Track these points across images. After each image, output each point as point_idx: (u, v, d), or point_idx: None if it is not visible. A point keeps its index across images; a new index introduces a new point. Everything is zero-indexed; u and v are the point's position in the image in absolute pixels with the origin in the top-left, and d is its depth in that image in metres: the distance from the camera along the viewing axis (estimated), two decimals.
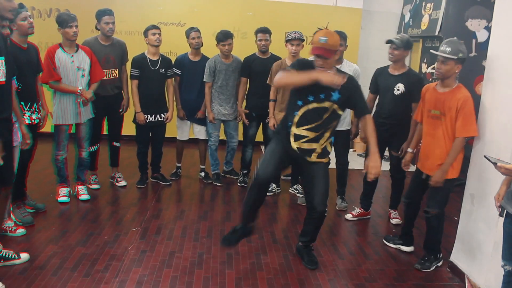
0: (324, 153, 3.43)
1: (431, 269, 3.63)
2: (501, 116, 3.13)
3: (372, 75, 4.53)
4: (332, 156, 4.27)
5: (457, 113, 3.27)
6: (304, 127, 3.32)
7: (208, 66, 5.13)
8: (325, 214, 3.51)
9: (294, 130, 3.35)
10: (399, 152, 4.19)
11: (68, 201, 4.59)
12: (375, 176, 3.24)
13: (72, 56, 4.38)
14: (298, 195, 5.17)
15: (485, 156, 2.49)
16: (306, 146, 3.36)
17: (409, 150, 3.90)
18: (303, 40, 4.80)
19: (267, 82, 4.93)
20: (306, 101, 3.28)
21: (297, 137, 3.36)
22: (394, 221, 4.53)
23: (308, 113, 3.29)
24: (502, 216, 2.58)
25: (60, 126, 4.44)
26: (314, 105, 3.26)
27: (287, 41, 4.77)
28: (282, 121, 3.55)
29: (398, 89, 4.15)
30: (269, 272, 3.45)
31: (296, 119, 3.33)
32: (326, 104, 3.25)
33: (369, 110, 3.52)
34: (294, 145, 3.37)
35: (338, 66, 4.49)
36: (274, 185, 5.23)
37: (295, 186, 5.28)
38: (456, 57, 3.27)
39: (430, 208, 3.52)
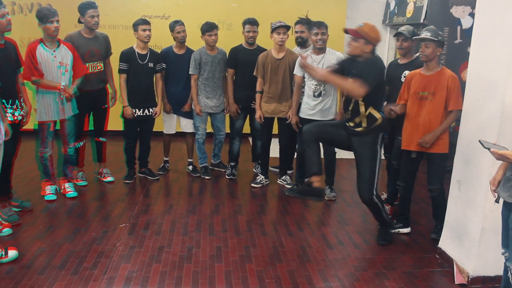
0: (372, 120, 3.63)
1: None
2: (486, 102, 3.14)
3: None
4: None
5: (448, 90, 3.63)
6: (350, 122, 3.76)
7: (194, 59, 5.09)
8: (374, 201, 3.68)
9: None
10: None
11: (54, 198, 4.53)
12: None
13: (54, 52, 4.30)
14: (286, 186, 5.16)
15: (479, 141, 2.49)
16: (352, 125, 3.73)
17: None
18: (288, 28, 4.78)
19: (254, 73, 4.90)
20: None
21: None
22: None
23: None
24: (498, 203, 2.58)
25: (44, 123, 4.37)
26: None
27: (273, 30, 4.75)
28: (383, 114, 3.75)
29: (405, 75, 4.13)
30: (258, 264, 3.44)
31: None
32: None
33: None
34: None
35: (321, 55, 4.52)
36: (262, 177, 5.22)
37: (283, 177, 5.27)
38: (436, 39, 3.62)
39: (433, 186, 3.78)
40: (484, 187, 3.12)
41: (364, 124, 3.65)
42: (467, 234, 3.34)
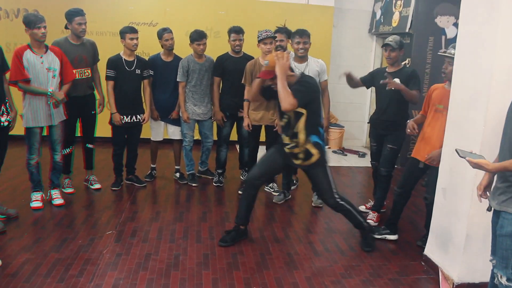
0: (308, 156, 3.69)
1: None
2: (470, 111, 3.19)
3: (343, 72, 4.55)
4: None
5: None
6: (284, 134, 3.75)
7: (181, 66, 5.10)
8: (340, 203, 3.81)
9: (283, 138, 3.77)
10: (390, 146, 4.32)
11: (40, 205, 4.49)
12: None
13: (41, 57, 4.27)
14: (273, 193, 5.18)
15: (456, 150, 2.53)
16: (288, 151, 3.74)
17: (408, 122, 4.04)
18: (275, 38, 4.81)
19: (242, 81, 4.93)
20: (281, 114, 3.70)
21: (284, 145, 3.77)
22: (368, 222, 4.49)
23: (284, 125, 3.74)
24: (490, 211, 2.62)
25: (32, 129, 4.33)
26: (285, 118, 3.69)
27: (259, 41, 4.77)
28: (320, 137, 3.75)
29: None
30: (245, 272, 3.45)
31: (280, 129, 3.78)
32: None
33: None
34: (285, 149, 3.76)
35: (304, 63, 4.55)
36: None
37: (270, 185, 5.29)
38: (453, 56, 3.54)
39: (429, 195, 3.79)
40: (468, 194, 3.18)
41: (301, 156, 3.72)
42: (452, 241, 3.39)
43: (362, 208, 4.77)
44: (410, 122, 3.97)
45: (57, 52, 4.41)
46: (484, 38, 3.05)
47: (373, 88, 4.66)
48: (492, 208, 2.58)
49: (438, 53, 4.06)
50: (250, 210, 3.95)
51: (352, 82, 4.53)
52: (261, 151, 5.16)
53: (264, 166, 3.89)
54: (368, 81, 4.57)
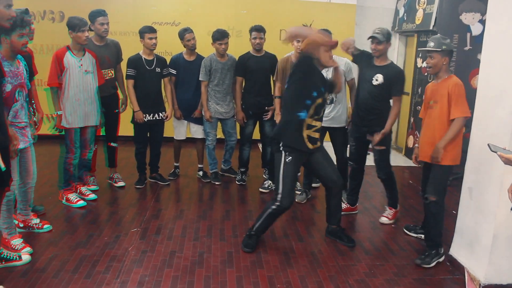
0: (323, 135, 3.97)
1: (431, 265, 3.62)
2: (497, 109, 3.15)
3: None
4: (332, 153, 4.38)
5: (449, 98, 3.50)
6: (315, 117, 3.66)
7: (204, 65, 5.13)
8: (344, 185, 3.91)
9: (308, 121, 3.64)
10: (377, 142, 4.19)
11: (85, 204, 4.60)
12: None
13: (81, 59, 4.40)
14: (296, 192, 5.17)
15: (488, 145, 2.49)
16: (314, 135, 3.70)
17: (416, 145, 3.98)
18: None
19: (274, 79, 4.94)
20: (313, 98, 3.60)
21: (309, 127, 3.66)
22: (381, 219, 4.47)
23: (318, 106, 3.63)
24: None
25: (73, 128, 4.45)
26: (319, 100, 3.62)
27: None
28: (293, 115, 3.65)
29: (377, 80, 4.13)
30: (269, 270, 3.46)
31: (311, 111, 3.61)
32: (326, 96, 3.72)
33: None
34: (305, 133, 3.64)
35: None
36: (270, 182, 5.26)
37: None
38: (440, 49, 3.54)
39: (428, 194, 3.64)
40: (496, 194, 3.13)
41: (319, 137, 3.78)
42: (478, 242, 3.34)
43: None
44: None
45: (93, 55, 4.54)
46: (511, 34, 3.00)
47: None
48: None
49: (418, 49, 4.03)
50: None
51: (354, 52, 4.47)
52: None
53: (294, 187, 3.81)
54: (357, 57, 4.45)
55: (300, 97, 3.60)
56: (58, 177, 5.16)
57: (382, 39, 4.05)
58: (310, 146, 3.68)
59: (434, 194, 3.60)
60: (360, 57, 4.40)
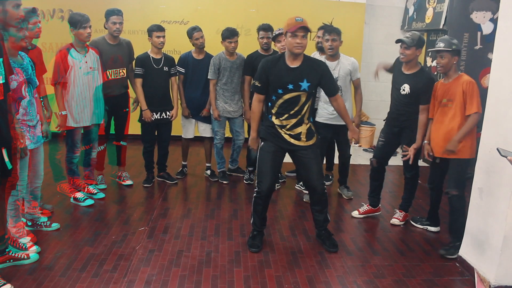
0: (310, 133, 3.69)
1: (455, 255, 3.70)
2: (509, 109, 3.10)
3: (376, 72, 4.55)
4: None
5: (464, 95, 3.63)
6: (283, 117, 3.60)
7: (213, 64, 5.12)
8: (325, 191, 3.78)
9: (275, 121, 3.63)
10: (403, 150, 4.16)
11: (93, 202, 4.60)
12: (356, 141, 3.93)
13: (85, 56, 4.39)
14: (304, 191, 5.15)
15: (497, 149, 2.47)
16: (291, 132, 3.62)
17: (425, 142, 4.01)
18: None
19: None
20: (278, 95, 3.56)
21: (280, 127, 3.63)
22: (392, 220, 4.43)
23: (283, 105, 3.58)
24: None
25: (77, 128, 4.45)
26: (286, 96, 3.54)
27: (273, 38, 4.76)
28: (264, 117, 3.76)
29: (404, 89, 4.08)
30: (277, 270, 3.44)
31: (274, 111, 3.61)
32: (298, 93, 3.54)
33: (338, 91, 3.82)
34: (282, 132, 3.63)
35: (335, 62, 4.51)
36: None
37: (301, 183, 5.27)
38: (450, 49, 3.65)
39: (449, 189, 3.74)
40: (506, 194, 3.09)
41: (304, 136, 3.66)
42: (488, 243, 3.30)
43: (355, 213, 4.58)
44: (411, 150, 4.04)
45: (95, 52, 4.54)
46: None
47: None
48: None
49: (428, 50, 4.02)
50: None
51: (389, 69, 4.46)
52: None
53: (272, 173, 3.71)
54: (393, 68, 4.39)
55: (266, 99, 3.71)
56: (52, 172, 5.14)
57: (410, 44, 3.93)
58: (294, 141, 3.64)
59: (455, 188, 3.72)
60: (394, 65, 4.37)
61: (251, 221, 3.87)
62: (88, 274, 3.26)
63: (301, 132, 3.63)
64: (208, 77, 5.17)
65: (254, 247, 3.75)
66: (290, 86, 3.50)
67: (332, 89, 3.68)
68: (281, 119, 3.61)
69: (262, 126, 3.75)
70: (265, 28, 5.05)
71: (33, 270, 3.28)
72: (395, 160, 4.95)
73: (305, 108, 3.61)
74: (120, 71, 4.85)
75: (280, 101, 3.57)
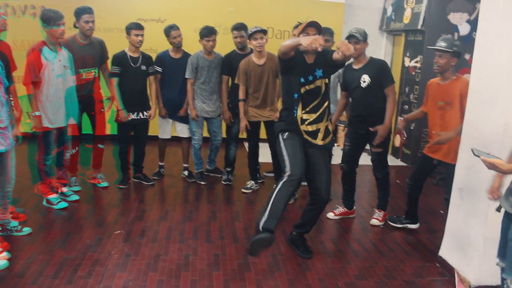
0: (327, 132, 3.60)
1: (398, 225, 4.13)
2: (489, 110, 3.10)
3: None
4: None
5: (461, 98, 3.57)
6: (305, 110, 3.50)
7: (191, 63, 5.02)
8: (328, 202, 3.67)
9: (300, 114, 3.51)
10: (376, 144, 4.11)
11: (66, 205, 4.44)
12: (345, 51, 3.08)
13: (58, 55, 4.22)
14: None
15: (472, 150, 2.46)
16: (311, 128, 3.51)
17: (383, 126, 4.01)
18: (265, 32, 4.74)
19: (236, 81, 4.87)
20: (301, 84, 3.46)
21: (302, 121, 3.51)
22: (372, 221, 4.40)
23: (305, 96, 3.48)
24: (499, 212, 2.55)
25: (50, 129, 4.27)
26: (307, 87, 3.46)
27: (250, 36, 4.70)
28: (286, 110, 3.59)
29: (364, 81, 4.06)
30: (257, 273, 3.37)
31: (298, 103, 3.50)
32: (318, 83, 3.47)
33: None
34: (302, 128, 3.51)
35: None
36: (252, 182, 5.20)
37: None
38: (451, 50, 3.62)
39: (448, 196, 3.67)
40: (487, 195, 3.08)
41: (321, 134, 3.55)
42: (469, 243, 3.30)
43: (330, 215, 4.53)
44: (401, 119, 4.04)
45: (68, 49, 4.38)
46: (504, 34, 2.95)
47: None
48: (504, 210, 2.51)
49: (427, 47, 4.01)
50: None
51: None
52: (262, 148, 5.15)
53: (302, 158, 3.42)
54: (344, 86, 4.38)
55: (287, 92, 3.59)
56: (31, 173, 4.97)
57: (360, 38, 3.98)
58: (311, 140, 3.52)
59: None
60: (343, 72, 4.33)
61: (263, 219, 3.31)
62: (61, 281, 3.13)
63: (319, 129, 3.53)
64: (186, 76, 5.07)
65: (268, 231, 3.30)
66: (310, 78, 3.46)
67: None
68: (304, 112, 3.49)
69: (283, 123, 3.59)
70: (238, 27, 4.98)
71: (2, 278, 3.13)
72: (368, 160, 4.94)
73: (325, 104, 3.54)
74: (89, 72, 4.68)
75: (302, 92, 3.47)
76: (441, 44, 3.64)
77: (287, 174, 3.34)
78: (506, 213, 2.54)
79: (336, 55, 3.31)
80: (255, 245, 3.24)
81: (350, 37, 4.02)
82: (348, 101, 4.45)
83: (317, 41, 3.01)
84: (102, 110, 4.91)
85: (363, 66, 4.09)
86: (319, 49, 3.02)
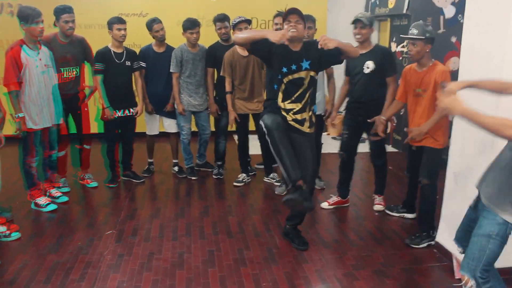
0: (311, 121, 3.52)
1: (421, 246, 3.66)
2: (479, 100, 3.05)
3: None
4: None
5: (435, 85, 3.44)
6: (291, 99, 3.40)
7: (175, 56, 4.93)
8: (313, 192, 3.60)
9: (281, 104, 3.42)
10: (381, 133, 4.05)
11: (56, 207, 4.34)
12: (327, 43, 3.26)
13: (38, 53, 4.09)
14: (275, 183, 5.05)
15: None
16: (297, 116, 3.42)
17: (382, 117, 3.92)
18: (250, 22, 4.69)
19: (221, 73, 4.80)
20: (282, 74, 3.36)
21: (286, 111, 3.42)
22: (376, 207, 4.40)
23: (288, 86, 3.38)
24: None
25: (33, 130, 4.14)
26: (289, 77, 3.36)
27: (234, 27, 4.65)
28: (269, 101, 3.54)
29: (368, 67, 4.02)
30: (253, 268, 3.32)
31: (279, 94, 3.41)
32: (302, 74, 3.37)
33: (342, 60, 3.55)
34: (288, 117, 3.42)
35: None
36: (244, 175, 5.14)
37: (271, 175, 5.16)
38: (423, 37, 3.48)
39: (421, 177, 3.65)
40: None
41: (307, 123, 3.47)
42: None
43: (324, 205, 4.50)
44: (378, 119, 3.89)
45: (48, 47, 4.24)
46: (495, 18, 2.90)
47: None
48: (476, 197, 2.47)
49: (401, 36, 3.96)
50: None
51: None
52: (252, 140, 5.11)
53: (296, 160, 3.34)
54: (346, 71, 4.34)
55: (269, 82, 3.54)
56: (22, 179, 4.85)
57: (366, 23, 3.94)
58: (298, 126, 3.43)
59: (427, 177, 3.63)
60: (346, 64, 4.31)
61: (289, 223, 3.71)
62: (53, 286, 3.06)
63: (305, 118, 3.45)
64: (171, 70, 4.97)
65: (303, 245, 3.64)
66: (294, 67, 3.35)
67: (337, 61, 3.52)
68: (288, 102, 3.40)
69: (267, 111, 3.48)
70: (221, 18, 4.91)
71: None
72: (364, 147, 4.90)
73: (308, 94, 3.43)
74: (72, 70, 4.56)
75: (284, 83, 3.37)
76: (412, 32, 3.52)
77: (291, 184, 3.28)
78: (477, 200, 2.51)
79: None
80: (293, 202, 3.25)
81: (356, 22, 3.98)
82: (348, 87, 4.38)
83: (284, 37, 3.24)
84: (86, 109, 4.79)
85: (368, 52, 4.04)
86: (286, 43, 3.28)
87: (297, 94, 3.39)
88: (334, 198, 4.52)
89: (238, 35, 3.48)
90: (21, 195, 4.54)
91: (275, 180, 5.10)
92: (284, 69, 3.35)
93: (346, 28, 7.46)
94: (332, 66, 4.60)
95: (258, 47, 3.37)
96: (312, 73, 3.40)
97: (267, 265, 3.36)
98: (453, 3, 5.86)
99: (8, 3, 6.57)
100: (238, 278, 3.18)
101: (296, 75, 3.37)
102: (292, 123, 3.42)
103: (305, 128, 3.46)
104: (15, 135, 4.08)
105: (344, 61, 4.22)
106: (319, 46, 3.29)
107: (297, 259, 3.46)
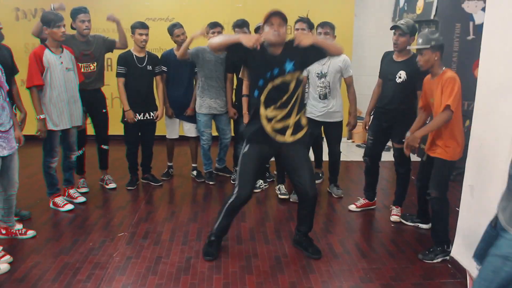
0: (298, 127, 3.39)
1: (435, 261, 3.52)
2: (498, 102, 2.93)
3: (367, 63, 4.38)
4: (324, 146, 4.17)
5: (442, 91, 3.34)
6: (275, 106, 3.28)
7: (190, 53, 4.92)
8: (317, 196, 3.51)
9: (263, 112, 3.30)
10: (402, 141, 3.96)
11: (73, 207, 4.42)
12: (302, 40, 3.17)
13: (60, 57, 4.19)
14: (280, 196, 4.85)
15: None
16: (279, 125, 3.32)
17: (407, 134, 3.74)
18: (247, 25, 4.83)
19: (240, 76, 4.80)
20: (265, 80, 3.25)
21: (269, 119, 3.31)
22: (393, 217, 4.28)
23: (271, 92, 3.26)
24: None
25: (55, 131, 4.24)
26: (273, 83, 3.24)
27: (256, 31, 4.70)
28: (252, 109, 3.45)
29: (400, 77, 3.94)
30: (259, 276, 3.27)
31: (261, 101, 3.29)
32: (287, 77, 3.25)
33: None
34: (268, 127, 3.31)
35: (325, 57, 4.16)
36: (261, 181, 5.08)
37: (278, 187, 4.96)
38: (428, 46, 3.35)
39: (430, 190, 3.52)
40: (498, 192, 2.91)
41: (291, 130, 3.35)
42: None
43: (352, 207, 4.48)
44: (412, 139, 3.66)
45: (70, 51, 4.34)
46: None
47: None
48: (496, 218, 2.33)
49: (408, 47, 3.83)
50: None
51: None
52: None
53: (254, 180, 3.55)
54: (381, 74, 4.26)
55: (251, 89, 3.46)
56: (45, 182, 4.93)
57: (405, 31, 3.84)
58: (279, 138, 3.33)
59: (436, 189, 3.48)
60: (381, 60, 4.25)
61: (215, 225, 3.57)
62: (60, 285, 3.10)
63: (288, 125, 3.32)
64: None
65: (209, 255, 3.51)
66: (276, 71, 3.24)
67: (323, 54, 3.35)
68: (272, 109, 3.29)
69: (248, 128, 3.49)
70: (239, 24, 4.89)
71: (2, 283, 3.11)
72: (386, 156, 4.78)
73: (294, 99, 3.30)
74: (90, 65, 4.66)
75: (267, 89, 3.26)
76: (418, 41, 3.40)
77: (234, 193, 3.45)
78: (497, 222, 2.37)
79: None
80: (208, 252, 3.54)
81: (395, 28, 3.90)
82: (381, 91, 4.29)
83: (258, 41, 3.16)
84: (104, 110, 4.87)
85: (404, 61, 3.96)
86: (258, 48, 3.16)
87: (282, 100, 3.27)
88: (362, 201, 4.50)
89: (212, 40, 3.36)
90: (44, 198, 4.56)
91: (280, 192, 4.93)
92: (267, 74, 3.24)
93: (373, 33, 7.43)
94: (351, 75, 4.55)
95: (234, 52, 3.32)
96: (297, 74, 3.28)
97: (273, 274, 3.30)
98: (483, 9, 5.67)
99: (42, 8, 6.74)
100: (242, 286, 3.14)
101: (279, 80, 3.24)
102: (272, 133, 3.32)
103: (287, 137, 3.34)
104: (37, 135, 4.18)
105: (382, 63, 4.16)
106: (294, 44, 3.18)
107: (305, 269, 3.39)
